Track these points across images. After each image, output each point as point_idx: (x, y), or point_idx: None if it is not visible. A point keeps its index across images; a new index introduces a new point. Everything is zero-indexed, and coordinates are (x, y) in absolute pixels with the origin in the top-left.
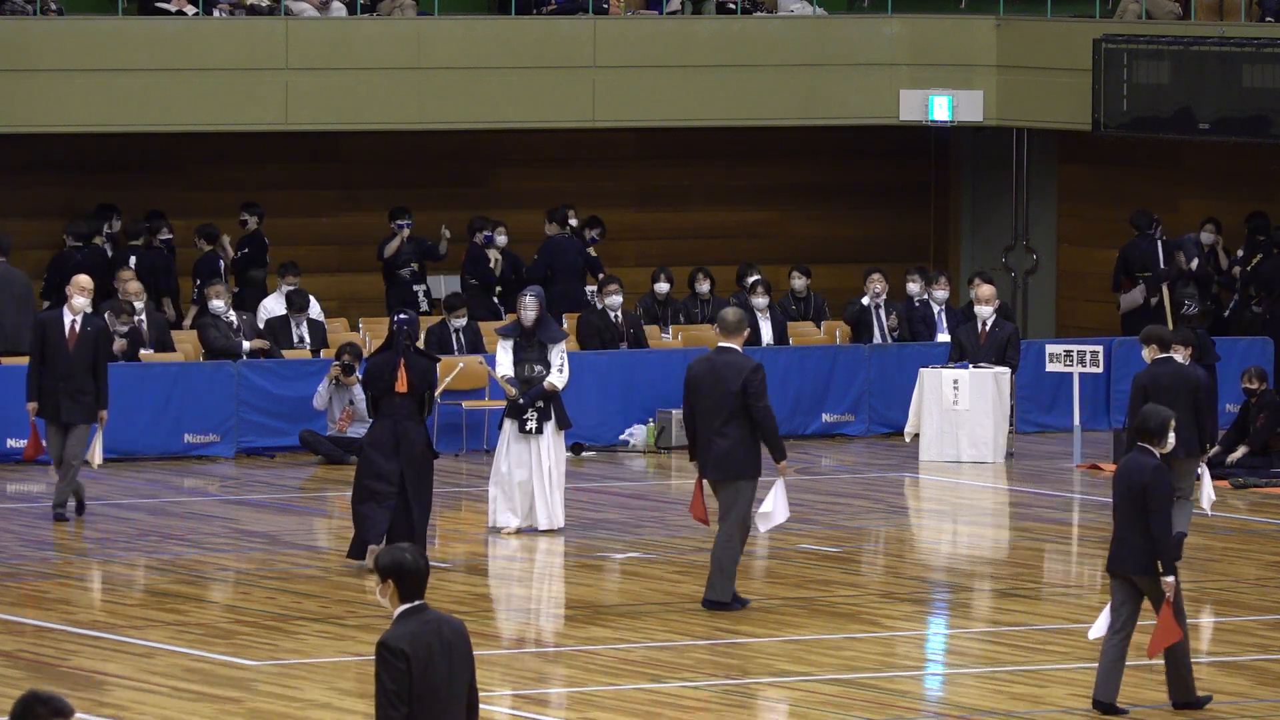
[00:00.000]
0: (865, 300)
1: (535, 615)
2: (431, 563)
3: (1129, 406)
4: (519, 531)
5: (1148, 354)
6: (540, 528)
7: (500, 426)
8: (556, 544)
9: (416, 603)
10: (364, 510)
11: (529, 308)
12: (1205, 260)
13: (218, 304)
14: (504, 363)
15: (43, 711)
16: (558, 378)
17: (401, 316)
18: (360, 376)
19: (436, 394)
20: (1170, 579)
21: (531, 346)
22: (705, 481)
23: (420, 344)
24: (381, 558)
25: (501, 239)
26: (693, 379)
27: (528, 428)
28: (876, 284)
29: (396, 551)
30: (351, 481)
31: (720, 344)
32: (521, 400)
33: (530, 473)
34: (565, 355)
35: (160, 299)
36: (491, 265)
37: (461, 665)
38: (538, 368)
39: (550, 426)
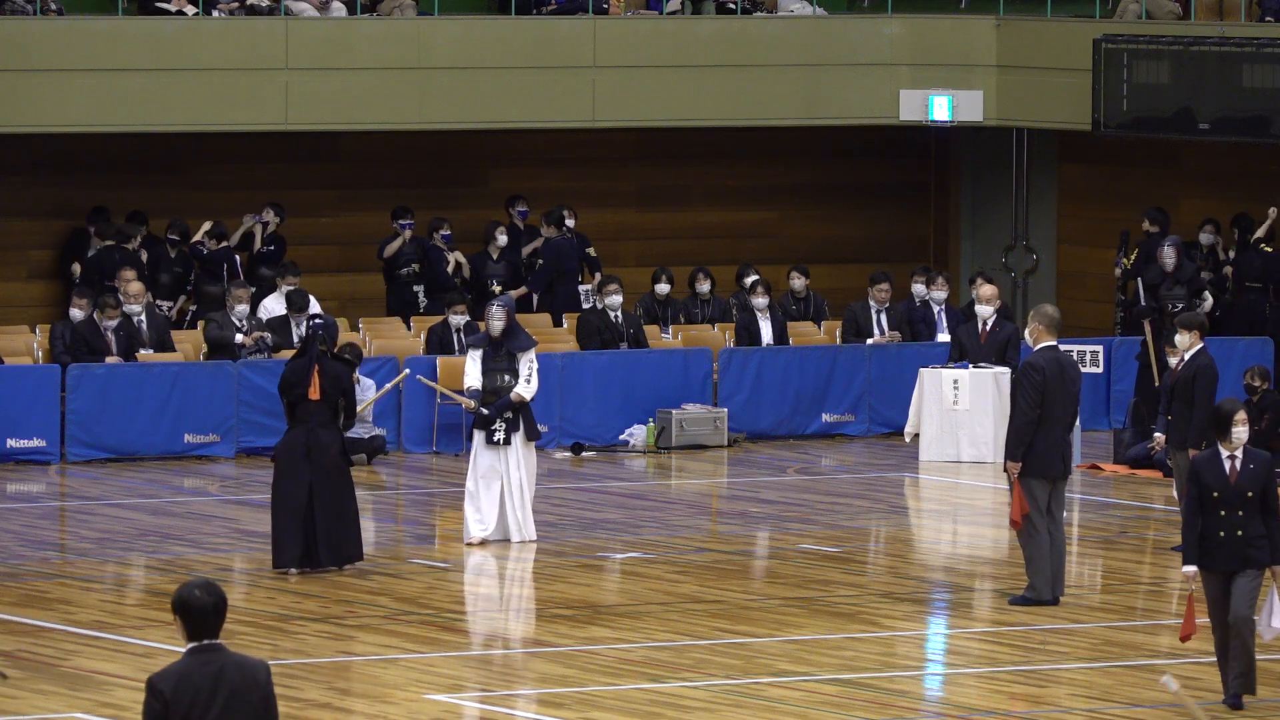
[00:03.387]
0: (874, 337)
1: (535, 615)
2: (431, 563)
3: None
4: (484, 543)
5: (1190, 340)
6: (512, 540)
7: (469, 438)
8: (557, 544)
9: (206, 642)
10: (278, 527)
11: (496, 318)
12: (1190, 261)
13: (243, 309)
14: (472, 374)
15: None
16: (525, 388)
17: (317, 321)
18: (360, 378)
19: (384, 399)
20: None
21: (500, 357)
22: (1032, 480)
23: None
24: (175, 593)
25: (502, 239)
26: (1047, 379)
27: (495, 438)
28: (881, 292)
29: (186, 589)
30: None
31: (1048, 342)
32: (487, 412)
33: (500, 484)
34: (534, 365)
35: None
36: (450, 268)
37: (242, 713)
38: (506, 378)
39: (519, 437)
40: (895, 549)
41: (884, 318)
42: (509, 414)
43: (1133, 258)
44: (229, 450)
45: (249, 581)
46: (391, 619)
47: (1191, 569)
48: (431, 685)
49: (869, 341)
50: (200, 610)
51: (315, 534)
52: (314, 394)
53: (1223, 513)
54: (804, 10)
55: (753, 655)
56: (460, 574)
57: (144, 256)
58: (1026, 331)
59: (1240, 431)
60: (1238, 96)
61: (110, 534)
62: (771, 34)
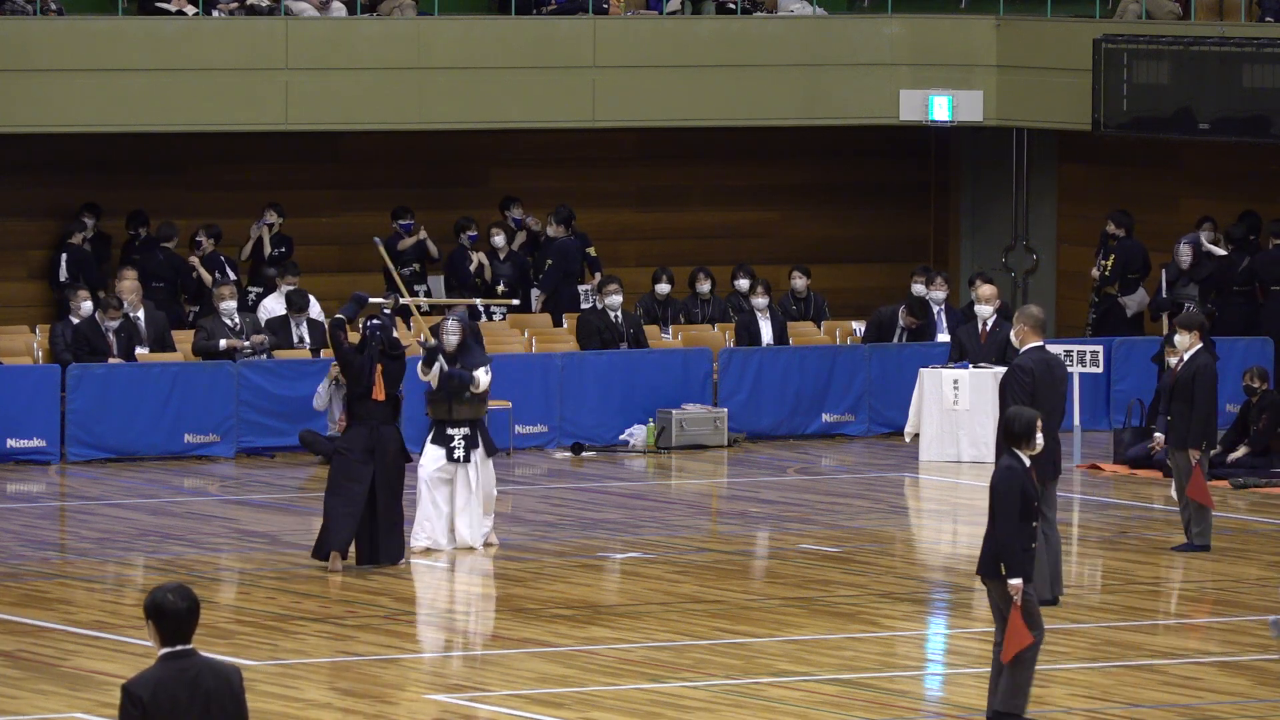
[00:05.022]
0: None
1: (535, 615)
2: (431, 563)
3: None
4: (429, 550)
5: (1189, 341)
6: (463, 545)
7: (421, 456)
8: (557, 544)
9: (179, 647)
10: (333, 513)
11: (450, 332)
12: (1205, 260)
13: (227, 305)
14: (434, 378)
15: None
16: (483, 377)
17: (374, 322)
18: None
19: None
20: (1015, 582)
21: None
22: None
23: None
24: (146, 597)
25: (510, 240)
26: (1037, 380)
27: (455, 455)
28: (913, 322)
29: (159, 592)
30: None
31: (1034, 342)
32: (447, 369)
33: (452, 497)
34: (488, 376)
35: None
36: (472, 268)
37: (219, 718)
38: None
39: (478, 454)
40: (895, 549)
41: (906, 335)
42: (466, 430)
43: (1109, 263)
44: (229, 450)
45: (249, 581)
46: (391, 619)
47: (1020, 581)
48: (431, 685)
49: None
50: (174, 614)
51: (375, 530)
52: (379, 394)
53: (1035, 523)
54: (804, 10)
55: (753, 655)
56: (460, 574)
57: (116, 257)
58: (1012, 333)
59: (1040, 439)
60: (1238, 96)
61: (110, 534)
62: (771, 34)
